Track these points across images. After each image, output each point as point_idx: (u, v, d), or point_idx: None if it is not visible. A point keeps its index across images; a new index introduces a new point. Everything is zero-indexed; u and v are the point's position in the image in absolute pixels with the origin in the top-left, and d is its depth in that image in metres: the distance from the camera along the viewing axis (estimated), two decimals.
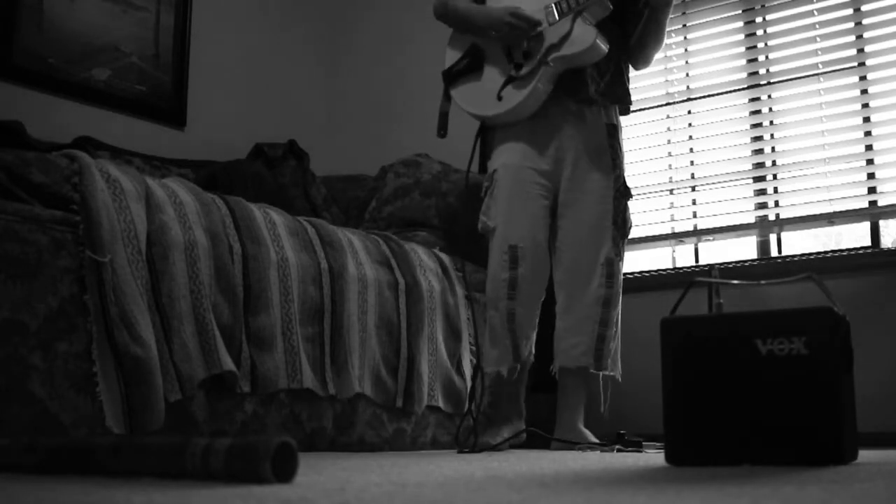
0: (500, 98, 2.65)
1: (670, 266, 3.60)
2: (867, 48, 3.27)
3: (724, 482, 1.04)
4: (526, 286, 2.62)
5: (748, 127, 3.46)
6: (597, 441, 2.61)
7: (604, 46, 2.60)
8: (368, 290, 2.60)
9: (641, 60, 2.81)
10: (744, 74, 3.51)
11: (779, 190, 3.40)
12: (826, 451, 1.39)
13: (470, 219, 3.34)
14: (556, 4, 2.59)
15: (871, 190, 3.21)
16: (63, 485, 0.97)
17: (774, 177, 3.41)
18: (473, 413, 2.55)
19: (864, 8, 3.28)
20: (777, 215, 3.39)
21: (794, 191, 3.35)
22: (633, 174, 3.64)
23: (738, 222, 3.43)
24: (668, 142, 3.62)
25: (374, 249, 2.74)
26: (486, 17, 2.66)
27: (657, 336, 1.51)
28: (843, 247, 3.31)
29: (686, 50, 3.64)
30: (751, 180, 3.44)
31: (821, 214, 3.26)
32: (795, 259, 3.28)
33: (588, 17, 2.58)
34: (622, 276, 2.72)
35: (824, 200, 3.25)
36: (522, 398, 2.73)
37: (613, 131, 2.72)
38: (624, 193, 2.72)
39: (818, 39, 3.35)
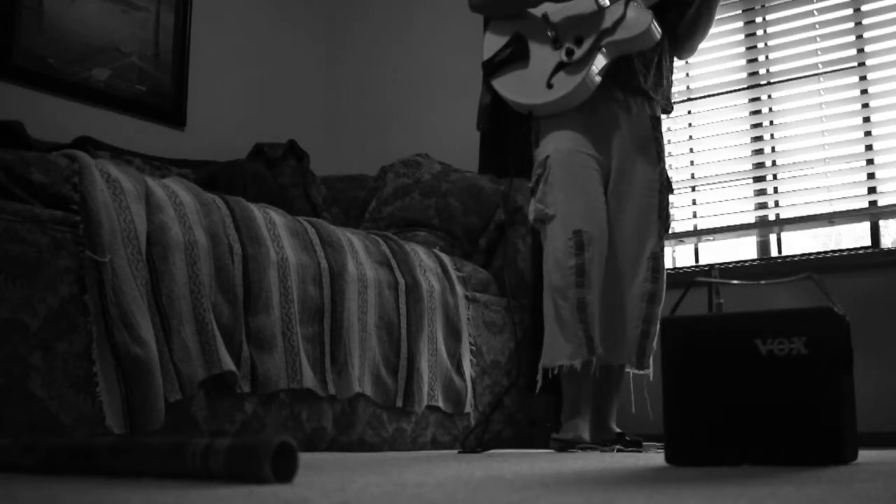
0: (550, 86, 2.52)
1: (670, 266, 3.60)
2: (867, 48, 3.27)
3: (724, 482, 1.04)
4: (593, 272, 2.50)
5: (748, 127, 3.46)
6: (629, 439, 2.56)
7: (658, 31, 2.51)
8: (368, 290, 2.60)
9: (688, 49, 2.73)
10: (744, 74, 3.51)
11: (779, 190, 3.41)
12: (826, 451, 1.39)
13: (470, 219, 3.35)
14: None
15: (871, 190, 3.21)
16: (63, 485, 0.97)
17: (774, 177, 3.42)
18: (478, 414, 2.53)
19: (864, 8, 3.28)
20: (777, 215, 3.39)
21: (794, 191, 3.35)
22: None
23: (738, 222, 3.43)
24: (669, 142, 3.62)
25: (374, 249, 2.74)
26: None
27: (657, 336, 1.51)
28: (843, 247, 3.31)
29: None
30: (751, 180, 3.45)
31: (821, 214, 3.26)
32: (795, 259, 3.28)
33: (640, 1, 2.50)
34: (666, 272, 2.64)
35: (824, 200, 3.25)
36: (590, 396, 2.59)
37: (657, 123, 2.66)
38: (668, 187, 2.66)
39: (818, 39, 3.35)
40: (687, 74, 3.62)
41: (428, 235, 3.26)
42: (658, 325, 2.56)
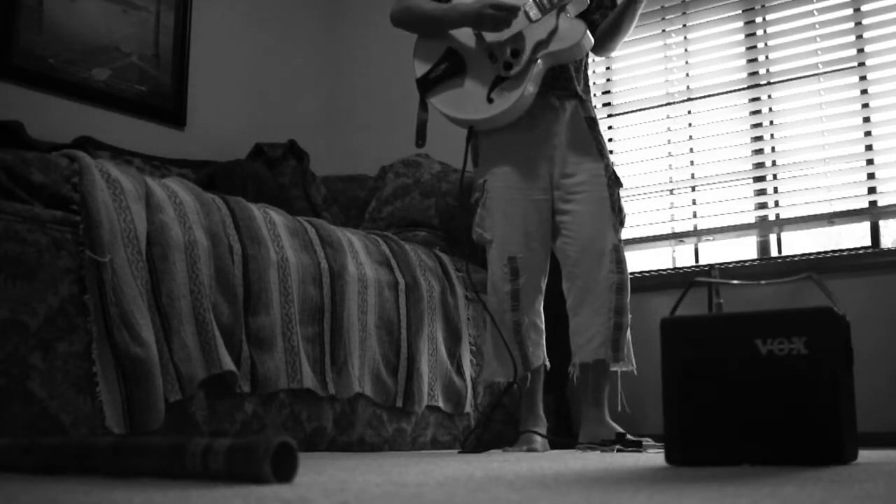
0: (490, 100, 2.55)
1: (670, 266, 3.60)
2: (867, 48, 3.27)
3: (724, 482, 1.05)
4: (526, 295, 2.60)
5: (748, 127, 3.46)
6: (626, 434, 2.57)
7: (591, 40, 2.57)
8: (368, 290, 2.60)
9: (609, 49, 2.78)
10: (744, 74, 3.51)
11: (779, 190, 3.41)
12: (826, 451, 1.39)
13: (469, 219, 3.35)
14: (535, 1, 2.53)
15: (871, 190, 3.21)
16: (63, 485, 0.97)
17: (774, 177, 3.41)
18: (478, 414, 2.54)
19: (864, 8, 3.28)
20: (777, 215, 3.39)
21: (794, 191, 3.35)
22: (633, 174, 3.64)
23: (738, 222, 3.43)
24: (668, 142, 3.62)
25: (374, 249, 2.74)
26: (461, 14, 2.55)
27: (657, 336, 1.51)
28: (843, 247, 3.31)
29: (686, 50, 3.64)
30: (751, 180, 3.45)
31: (821, 214, 3.26)
32: (795, 259, 3.28)
33: (570, 10, 2.54)
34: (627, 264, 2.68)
35: (824, 200, 3.25)
36: (541, 405, 2.68)
37: (593, 124, 2.70)
38: (616, 181, 2.69)
39: (818, 39, 3.35)
40: (687, 74, 3.63)
41: (428, 235, 3.26)
42: (629, 316, 2.62)
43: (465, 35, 2.62)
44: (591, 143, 2.67)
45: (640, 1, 2.62)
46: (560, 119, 2.64)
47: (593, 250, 2.60)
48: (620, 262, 2.62)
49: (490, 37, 2.58)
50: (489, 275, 2.66)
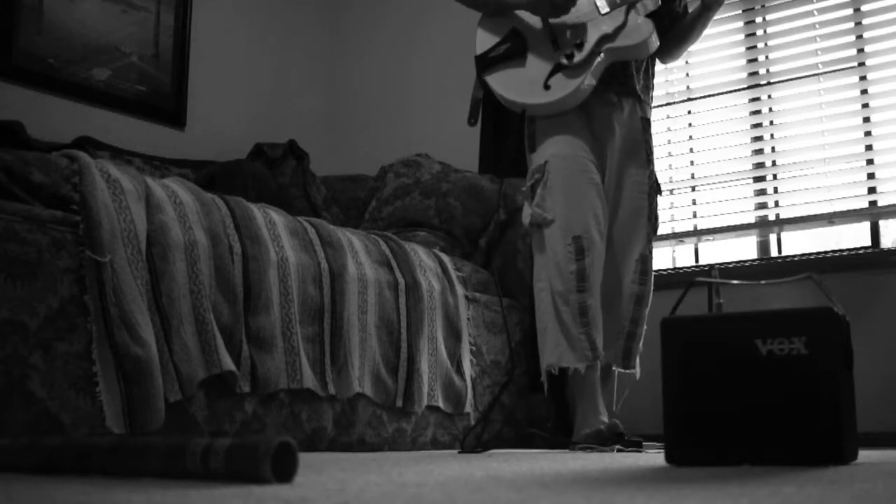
0: (547, 87, 2.54)
1: (670, 266, 3.60)
2: (867, 48, 3.27)
3: (724, 482, 1.05)
4: (592, 275, 2.52)
5: (748, 127, 3.47)
6: (629, 439, 2.55)
7: (656, 41, 2.56)
8: (368, 290, 2.60)
9: (675, 56, 2.79)
10: (744, 74, 3.51)
11: (779, 190, 3.41)
12: (826, 451, 1.39)
13: (470, 219, 3.35)
14: None
15: (871, 190, 3.21)
16: (63, 485, 0.97)
17: (774, 177, 3.42)
18: (478, 414, 2.53)
19: (864, 8, 3.28)
20: (777, 215, 3.39)
21: (794, 191, 3.35)
22: None
23: (738, 222, 3.43)
24: (668, 142, 3.62)
25: (374, 249, 2.74)
26: None
27: (657, 336, 1.51)
28: (843, 247, 3.31)
29: None
30: (751, 180, 3.45)
31: (821, 214, 3.26)
32: (795, 259, 3.28)
33: (640, 9, 2.54)
34: (653, 275, 2.67)
35: (824, 200, 3.25)
36: (601, 397, 2.58)
37: (647, 126, 2.69)
38: (657, 189, 2.68)
39: (818, 39, 3.36)
40: (687, 74, 3.63)
41: (428, 235, 3.26)
42: (644, 327, 2.61)
43: (530, 18, 2.61)
44: (642, 147, 2.66)
45: (714, 9, 2.60)
46: (616, 116, 2.63)
47: (620, 258, 2.60)
48: (645, 274, 2.60)
49: (556, 23, 2.57)
50: (549, 255, 2.56)
